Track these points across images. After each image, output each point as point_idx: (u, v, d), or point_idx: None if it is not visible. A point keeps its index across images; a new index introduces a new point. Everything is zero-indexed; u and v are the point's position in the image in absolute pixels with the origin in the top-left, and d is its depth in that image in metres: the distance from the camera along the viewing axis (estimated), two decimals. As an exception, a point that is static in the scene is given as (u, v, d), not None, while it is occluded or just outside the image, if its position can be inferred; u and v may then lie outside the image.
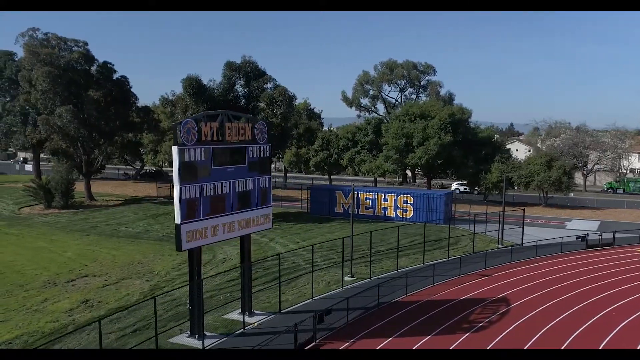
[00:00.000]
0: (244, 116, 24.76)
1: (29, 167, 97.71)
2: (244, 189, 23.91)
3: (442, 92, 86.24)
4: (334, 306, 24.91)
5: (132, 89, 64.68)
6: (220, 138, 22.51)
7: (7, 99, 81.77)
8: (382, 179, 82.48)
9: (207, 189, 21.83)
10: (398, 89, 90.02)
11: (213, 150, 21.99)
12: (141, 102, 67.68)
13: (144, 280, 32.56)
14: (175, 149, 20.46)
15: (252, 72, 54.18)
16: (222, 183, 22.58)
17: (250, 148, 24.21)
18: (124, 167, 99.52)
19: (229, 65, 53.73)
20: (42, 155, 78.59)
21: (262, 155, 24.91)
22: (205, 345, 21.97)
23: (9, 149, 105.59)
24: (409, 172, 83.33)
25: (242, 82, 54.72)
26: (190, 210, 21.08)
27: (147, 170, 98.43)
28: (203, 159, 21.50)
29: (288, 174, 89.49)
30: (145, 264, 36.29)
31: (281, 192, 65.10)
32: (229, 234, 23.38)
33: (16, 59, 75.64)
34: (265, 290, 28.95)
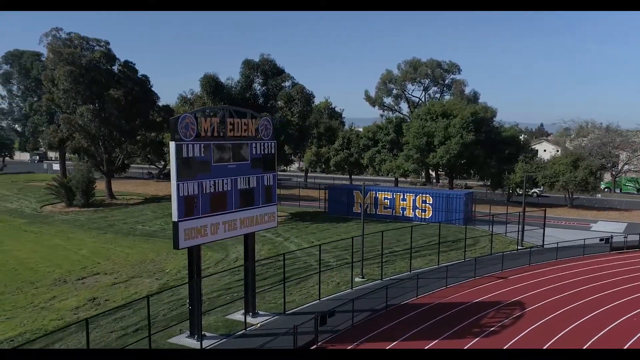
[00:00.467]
0: (247, 112, 24.20)
1: (56, 166, 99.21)
2: (247, 186, 23.36)
3: (467, 90, 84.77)
4: (340, 308, 24.22)
5: (152, 88, 64.91)
6: (221, 134, 22.00)
7: (35, 99, 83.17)
8: (404, 179, 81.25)
9: (207, 186, 21.34)
10: (422, 87, 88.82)
11: (213, 146, 21.49)
12: (162, 102, 67.91)
13: (154, 279, 32.32)
14: (172, 145, 20.02)
15: (270, 70, 53.73)
16: (223, 180, 22.06)
17: (254, 144, 23.64)
18: (148, 166, 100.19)
19: (247, 64, 53.36)
20: (68, 154, 79.50)
21: (266, 152, 24.31)
22: (203, 346, 21.48)
23: (40, 148, 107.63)
24: (432, 172, 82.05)
25: (260, 81, 54.31)
26: (188, 207, 20.61)
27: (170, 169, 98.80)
28: (202, 155, 21.01)
29: (310, 174, 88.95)
30: (157, 263, 36.09)
31: (299, 192, 64.57)
32: (231, 233, 22.86)
33: (43, 60, 76.67)
34: (272, 290, 28.39)
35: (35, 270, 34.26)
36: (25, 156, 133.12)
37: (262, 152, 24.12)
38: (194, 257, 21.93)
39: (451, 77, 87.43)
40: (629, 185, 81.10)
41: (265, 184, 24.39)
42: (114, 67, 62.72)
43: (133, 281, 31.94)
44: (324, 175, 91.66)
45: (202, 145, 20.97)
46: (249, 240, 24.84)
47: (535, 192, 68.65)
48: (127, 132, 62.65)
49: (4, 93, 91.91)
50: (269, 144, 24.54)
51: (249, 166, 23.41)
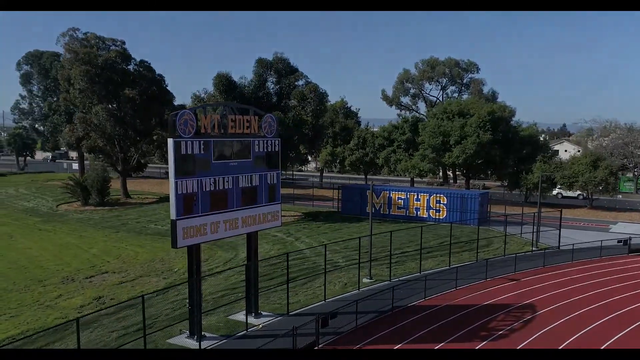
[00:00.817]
0: (250, 109, 23.82)
1: (76, 166, 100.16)
2: (249, 185, 22.97)
3: (485, 90, 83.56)
4: (344, 309, 23.74)
5: (168, 87, 65.02)
6: (222, 131, 21.64)
7: (54, 99, 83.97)
8: (420, 179, 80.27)
9: (207, 184, 20.99)
10: (439, 87, 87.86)
11: (213, 143, 21.14)
12: (177, 101, 67.95)
13: (161, 278, 32.15)
14: (170, 141, 19.69)
15: (283, 69, 53.40)
16: (223, 178, 21.69)
17: (257, 142, 23.25)
18: (165, 165, 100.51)
19: (260, 62, 53.12)
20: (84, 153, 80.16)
21: (269, 150, 23.89)
22: (202, 347, 21.13)
23: (61, 147, 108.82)
24: (450, 173, 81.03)
25: (274, 79, 54.03)
26: (187, 205, 20.28)
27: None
28: (202, 152, 20.65)
29: (326, 174, 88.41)
30: (166, 262, 35.93)
31: (313, 192, 64.14)
32: (232, 232, 22.49)
33: (61, 60, 77.31)
34: (278, 290, 27.95)
35: (45, 268, 34.33)
36: (46, 156, 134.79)
37: (266, 150, 23.71)
38: (194, 256, 21.62)
39: (470, 76, 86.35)
40: (627, 185, 78.07)
41: (269, 182, 23.98)
42: (129, 67, 62.93)
43: (140, 280, 31.79)
44: (340, 175, 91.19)
45: (201, 142, 20.63)
46: (252, 240, 24.44)
47: (560, 193, 66.96)
48: (142, 132, 62.82)
49: (24, 93, 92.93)
50: (273, 141, 24.11)
51: (251, 164, 23.02)
